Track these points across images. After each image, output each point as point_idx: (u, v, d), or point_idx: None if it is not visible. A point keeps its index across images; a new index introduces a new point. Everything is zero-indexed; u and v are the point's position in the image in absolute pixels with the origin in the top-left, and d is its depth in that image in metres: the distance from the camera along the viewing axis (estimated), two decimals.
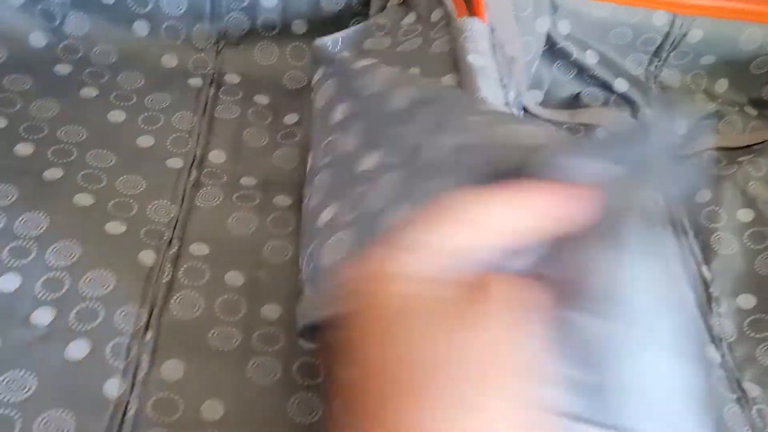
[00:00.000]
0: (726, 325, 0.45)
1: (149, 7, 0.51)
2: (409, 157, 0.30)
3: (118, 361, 0.35)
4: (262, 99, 0.52)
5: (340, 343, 0.21)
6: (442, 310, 0.20)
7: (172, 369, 0.35)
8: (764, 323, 0.44)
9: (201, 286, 0.40)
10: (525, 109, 0.53)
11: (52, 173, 0.44)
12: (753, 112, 0.57)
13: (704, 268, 0.47)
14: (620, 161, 0.23)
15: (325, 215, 0.34)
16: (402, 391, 0.19)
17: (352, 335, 0.21)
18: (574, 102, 0.56)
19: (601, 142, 0.27)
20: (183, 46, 0.53)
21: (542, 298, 0.22)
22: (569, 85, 0.56)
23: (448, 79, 0.39)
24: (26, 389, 0.33)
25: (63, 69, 0.50)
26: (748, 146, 0.55)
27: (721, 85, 0.58)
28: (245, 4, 0.52)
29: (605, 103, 0.55)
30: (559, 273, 0.22)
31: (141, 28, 0.52)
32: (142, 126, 0.48)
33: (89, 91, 0.50)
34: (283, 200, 0.45)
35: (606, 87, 0.55)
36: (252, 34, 0.54)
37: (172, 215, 0.43)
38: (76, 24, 0.51)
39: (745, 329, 0.44)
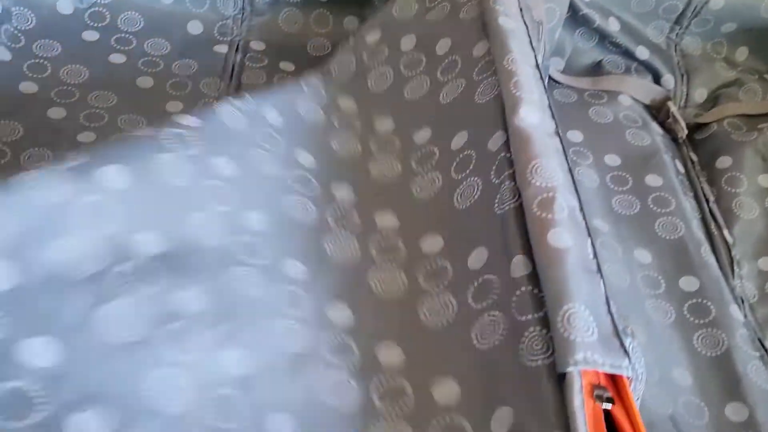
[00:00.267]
0: (747, 287, 0.46)
1: None
2: None
3: None
4: (287, 66, 0.52)
5: None
6: None
7: None
8: None
9: None
10: (549, 76, 0.54)
11: (85, 137, 0.44)
12: None
13: (726, 232, 0.48)
14: None
15: None
16: None
17: None
18: (595, 69, 0.56)
19: None
20: (208, 13, 0.53)
21: None
22: (591, 53, 0.56)
23: (480, 48, 0.39)
24: None
25: (91, 35, 0.51)
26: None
27: (742, 53, 0.58)
28: None
29: (627, 71, 0.56)
30: None
31: None
32: (171, 92, 0.49)
33: (117, 57, 0.50)
34: None
35: (628, 54, 0.56)
36: (277, 2, 0.54)
37: None
38: None
39: (767, 290, 0.45)
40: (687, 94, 0.57)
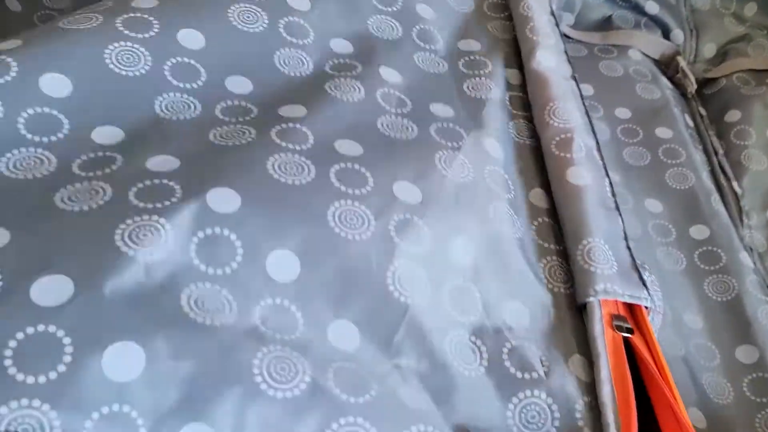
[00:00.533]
0: (756, 237, 0.46)
1: None
2: None
3: None
4: None
5: None
6: None
7: None
8: None
9: None
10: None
11: None
12: None
13: (735, 184, 0.48)
14: None
15: None
16: None
17: None
18: (605, 24, 0.56)
19: None
20: None
21: None
22: (600, 8, 0.56)
23: None
24: None
25: None
26: None
27: (750, 9, 0.58)
28: None
29: (636, 26, 0.55)
30: None
31: None
32: None
33: None
34: None
35: (637, 9, 0.56)
36: None
37: None
38: None
39: None
40: (696, 49, 0.57)
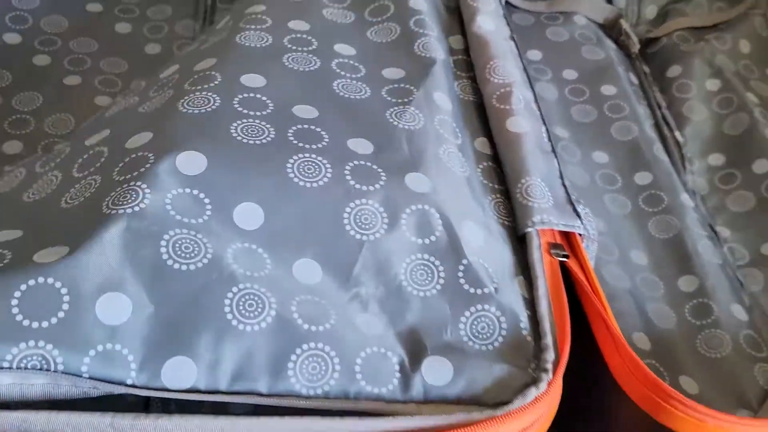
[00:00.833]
0: (699, 181, 0.49)
1: None
2: None
3: None
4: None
5: None
6: None
7: None
8: (733, 176, 0.49)
9: None
10: (507, 1, 0.56)
11: (71, 80, 0.47)
12: None
13: (677, 134, 0.51)
14: None
15: None
16: None
17: None
18: None
19: None
20: None
21: None
22: None
23: None
24: None
25: None
26: (714, 25, 0.59)
27: None
28: None
29: None
30: None
31: None
32: (148, 35, 0.51)
33: (94, 7, 0.52)
34: None
35: None
36: None
37: None
38: None
39: (716, 183, 0.49)
40: (638, 12, 0.60)
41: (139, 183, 0.28)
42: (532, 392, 0.26)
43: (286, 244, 0.28)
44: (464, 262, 0.29)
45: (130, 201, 0.27)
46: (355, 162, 0.31)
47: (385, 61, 0.38)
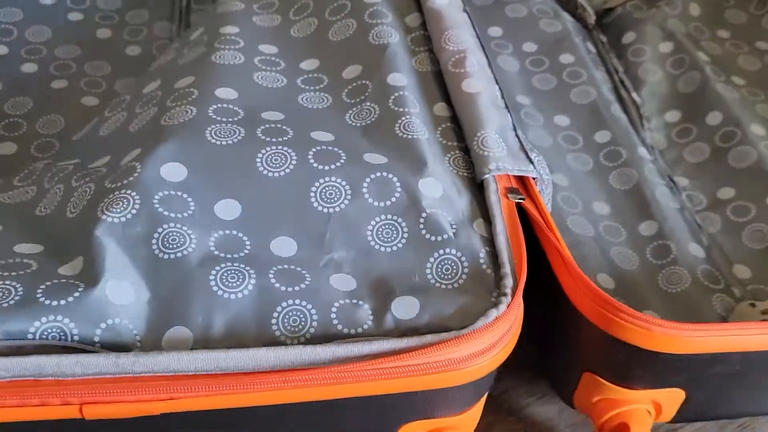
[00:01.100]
0: (657, 137, 0.52)
1: None
2: None
3: None
4: None
5: None
6: None
7: None
8: (688, 130, 0.52)
9: None
10: None
11: (58, 83, 0.50)
12: None
13: (634, 95, 0.54)
14: None
15: None
16: None
17: None
18: None
19: None
20: None
21: None
22: None
23: None
24: None
25: (47, 0, 0.56)
26: None
27: None
28: None
29: None
30: None
31: None
32: (128, 38, 0.54)
33: (75, 16, 0.55)
34: None
35: None
36: None
37: None
38: None
39: (673, 138, 0.52)
40: None
41: (128, 191, 0.32)
42: (493, 313, 0.29)
43: (262, 227, 0.32)
44: (423, 215, 0.33)
45: (122, 209, 0.31)
46: (318, 147, 0.34)
47: (345, 61, 0.42)
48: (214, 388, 0.26)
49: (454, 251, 0.31)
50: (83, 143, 0.40)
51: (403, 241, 0.32)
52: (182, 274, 0.30)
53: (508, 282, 0.30)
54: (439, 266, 0.31)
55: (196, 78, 0.39)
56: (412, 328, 0.29)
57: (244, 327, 0.29)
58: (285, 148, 0.34)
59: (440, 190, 0.33)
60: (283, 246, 0.32)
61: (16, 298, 0.28)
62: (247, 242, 0.31)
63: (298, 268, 0.31)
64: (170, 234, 0.31)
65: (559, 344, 0.36)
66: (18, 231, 0.33)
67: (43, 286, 0.28)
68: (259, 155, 0.34)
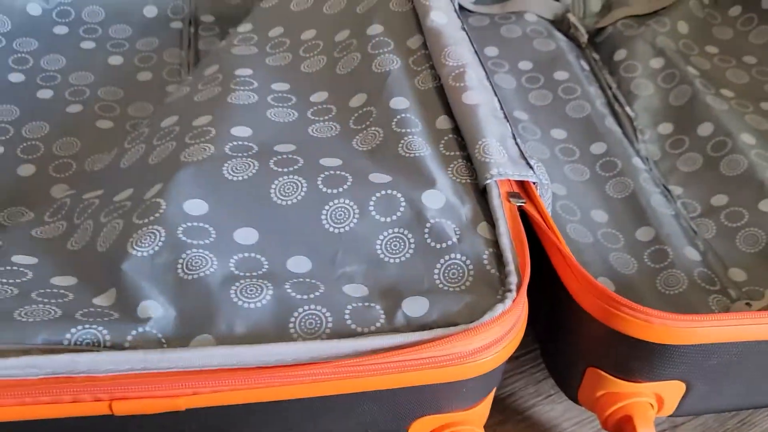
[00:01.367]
0: (651, 149, 0.54)
1: None
2: None
3: None
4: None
5: None
6: None
7: None
8: (681, 141, 0.54)
9: None
10: (460, 6, 0.62)
11: (73, 108, 0.52)
12: None
13: (628, 109, 0.56)
14: None
15: None
16: None
17: None
18: None
19: None
20: None
21: None
22: None
23: None
24: None
25: (61, 30, 0.58)
26: (655, 12, 0.64)
27: None
28: None
29: None
30: None
31: None
32: (139, 64, 0.56)
33: (87, 44, 0.57)
34: None
35: None
36: None
37: None
38: None
39: (667, 149, 0.54)
40: (584, 6, 0.65)
41: (155, 227, 0.34)
42: (500, 308, 0.30)
43: (278, 249, 0.34)
44: (428, 225, 0.35)
45: (149, 242, 0.33)
46: (326, 173, 0.37)
47: (352, 91, 0.44)
48: (237, 382, 0.28)
49: (459, 255, 0.33)
50: (105, 174, 0.43)
51: (411, 251, 0.34)
52: (205, 291, 0.32)
53: (513, 279, 0.31)
54: (446, 271, 0.33)
55: (213, 117, 0.42)
56: (422, 325, 0.31)
57: (264, 331, 0.30)
58: (296, 177, 0.37)
59: (443, 199, 0.35)
60: (299, 264, 0.34)
61: (56, 316, 0.30)
62: (265, 262, 0.34)
63: (313, 281, 0.33)
64: (193, 258, 0.33)
65: (563, 342, 0.38)
66: (52, 265, 0.35)
67: (80, 312, 0.31)
68: (273, 186, 0.36)
